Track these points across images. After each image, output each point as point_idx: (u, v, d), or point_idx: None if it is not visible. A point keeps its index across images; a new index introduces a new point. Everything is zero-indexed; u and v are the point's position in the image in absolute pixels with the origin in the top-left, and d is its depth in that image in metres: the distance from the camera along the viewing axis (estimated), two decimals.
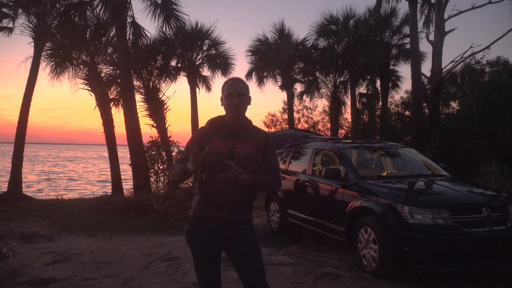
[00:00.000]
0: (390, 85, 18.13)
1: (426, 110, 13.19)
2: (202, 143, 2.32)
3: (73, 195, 17.07)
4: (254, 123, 2.47)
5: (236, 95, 2.33)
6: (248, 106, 2.43)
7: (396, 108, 16.27)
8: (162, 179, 18.44)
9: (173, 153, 17.57)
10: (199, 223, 2.37)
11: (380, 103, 17.32)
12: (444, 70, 12.99)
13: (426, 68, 20.23)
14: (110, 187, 13.93)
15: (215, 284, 2.42)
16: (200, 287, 2.43)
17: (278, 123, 21.93)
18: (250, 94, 2.45)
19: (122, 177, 13.85)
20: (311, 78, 18.69)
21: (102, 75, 14.27)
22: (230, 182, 2.20)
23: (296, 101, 19.76)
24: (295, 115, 20.25)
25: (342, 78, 18.17)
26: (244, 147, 2.35)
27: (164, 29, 12.65)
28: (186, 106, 17.05)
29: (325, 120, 20.90)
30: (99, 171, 39.49)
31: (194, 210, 2.40)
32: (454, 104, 17.87)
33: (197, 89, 16.97)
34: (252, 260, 2.37)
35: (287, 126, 19.23)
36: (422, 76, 12.60)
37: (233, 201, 2.31)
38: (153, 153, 18.04)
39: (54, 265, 4.92)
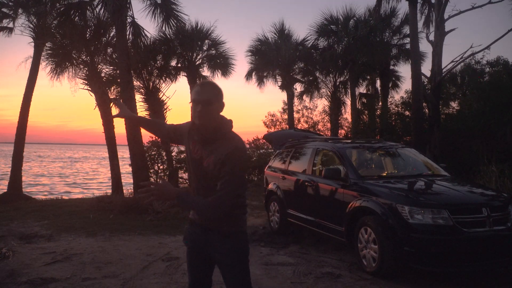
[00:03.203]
0: (390, 85, 18.11)
1: (426, 110, 13.18)
2: (182, 135, 2.35)
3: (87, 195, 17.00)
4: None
5: (200, 103, 2.11)
6: (223, 111, 2.21)
7: (396, 108, 16.25)
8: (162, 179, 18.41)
9: (173, 153, 17.56)
10: (191, 223, 2.35)
11: (380, 103, 17.30)
12: (444, 70, 12.98)
13: (426, 68, 20.21)
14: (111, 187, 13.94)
15: (202, 286, 2.38)
16: (188, 285, 2.43)
17: (278, 123, 21.88)
18: (225, 100, 2.21)
19: (122, 177, 13.86)
20: (311, 78, 18.67)
21: (102, 75, 14.27)
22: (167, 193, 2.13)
23: (296, 101, 19.74)
24: (295, 115, 20.22)
25: (342, 78, 18.15)
26: (206, 159, 2.16)
27: (164, 29, 12.68)
28: (186, 106, 17.07)
29: (325, 120, 20.88)
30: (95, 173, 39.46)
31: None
32: (454, 104, 17.86)
33: None
34: (226, 274, 2.23)
35: (287, 126, 19.20)
36: (422, 76, 12.60)
37: None
38: (153, 153, 18.02)
39: (54, 265, 4.92)
